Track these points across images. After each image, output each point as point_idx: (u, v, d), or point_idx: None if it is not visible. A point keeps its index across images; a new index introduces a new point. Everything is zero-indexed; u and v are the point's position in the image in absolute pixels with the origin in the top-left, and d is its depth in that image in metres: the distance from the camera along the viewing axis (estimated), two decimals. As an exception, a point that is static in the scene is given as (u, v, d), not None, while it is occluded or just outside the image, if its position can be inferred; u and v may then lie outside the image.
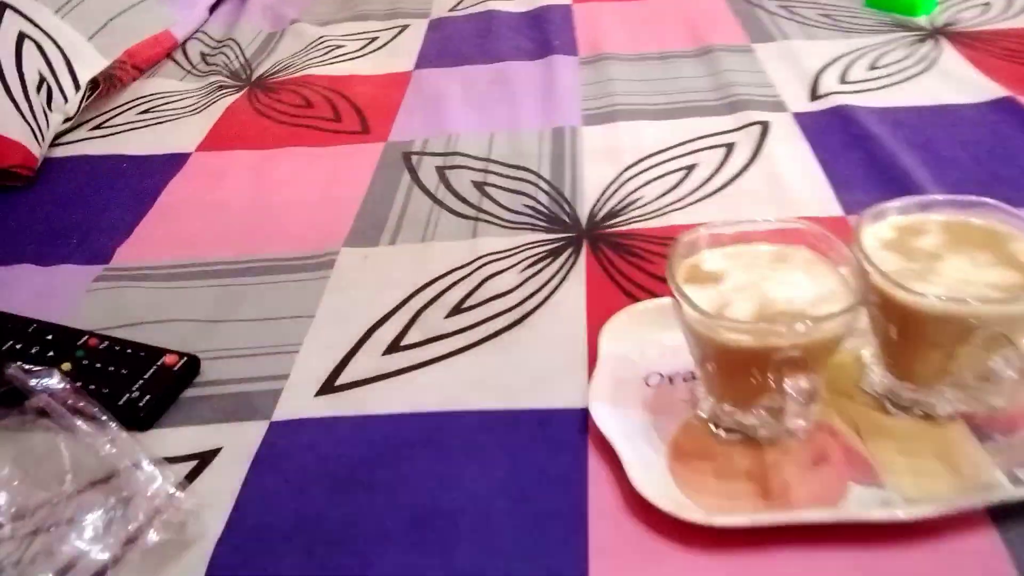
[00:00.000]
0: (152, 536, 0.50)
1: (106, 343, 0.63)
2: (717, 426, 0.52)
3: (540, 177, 0.83)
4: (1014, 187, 0.75)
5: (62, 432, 0.57)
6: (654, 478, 0.49)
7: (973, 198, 0.52)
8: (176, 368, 0.61)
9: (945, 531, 0.46)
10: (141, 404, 0.58)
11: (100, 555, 0.50)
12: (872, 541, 0.45)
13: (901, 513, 0.44)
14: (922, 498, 0.46)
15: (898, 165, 0.78)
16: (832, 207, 0.75)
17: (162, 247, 0.78)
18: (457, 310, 0.67)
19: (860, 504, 0.47)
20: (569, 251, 0.73)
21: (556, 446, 0.54)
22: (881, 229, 0.53)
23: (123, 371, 0.61)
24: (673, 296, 0.48)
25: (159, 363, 0.61)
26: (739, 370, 0.48)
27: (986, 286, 0.47)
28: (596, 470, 0.52)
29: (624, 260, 0.71)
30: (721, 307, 0.48)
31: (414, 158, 0.89)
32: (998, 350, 0.45)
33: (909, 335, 0.49)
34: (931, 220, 0.53)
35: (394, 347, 0.64)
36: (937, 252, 0.50)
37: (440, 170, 0.86)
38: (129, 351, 0.63)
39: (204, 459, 0.56)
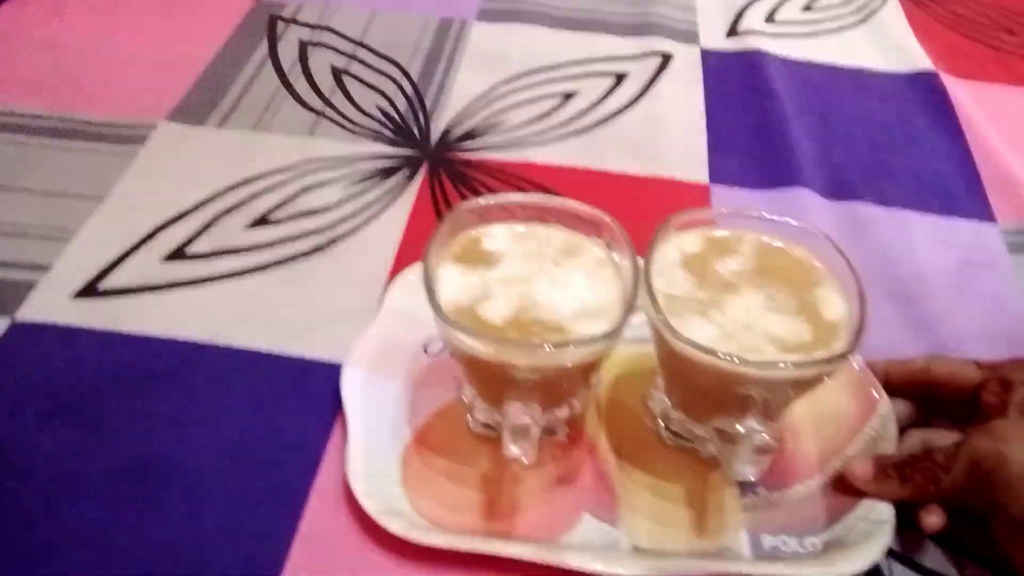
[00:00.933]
0: None
1: None
2: (472, 417, 0.48)
3: (406, 76, 0.75)
4: (894, 180, 0.69)
5: None
6: (380, 469, 0.45)
7: (804, 226, 0.47)
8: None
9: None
10: None
11: None
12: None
13: (604, 567, 0.41)
14: (650, 548, 0.43)
15: (786, 135, 0.72)
16: (699, 172, 0.68)
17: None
18: (262, 222, 0.61)
19: (583, 540, 0.43)
20: (405, 172, 0.66)
21: (307, 405, 0.50)
22: (690, 240, 0.47)
23: None
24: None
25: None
26: (478, 370, 0.43)
27: (766, 338, 0.42)
28: (337, 444, 0.48)
29: (460, 195, 0.64)
30: (476, 300, 0.43)
31: (280, 25, 0.80)
32: (750, 414, 0.41)
33: (673, 370, 0.44)
34: (748, 239, 0.47)
35: (178, 254, 0.58)
36: (735, 281, 0.45)
37: (303, 45, 0.78)
38: None
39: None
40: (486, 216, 0.47)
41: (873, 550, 0.42)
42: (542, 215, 0.48)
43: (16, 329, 0.53)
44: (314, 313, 0.55)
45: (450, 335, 0.41)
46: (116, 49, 0.75)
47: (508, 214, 0.48)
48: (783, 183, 0.67)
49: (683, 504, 0.46)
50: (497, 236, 0.47)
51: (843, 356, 0.40)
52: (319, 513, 0.45)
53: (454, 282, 0.44)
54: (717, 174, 0.68)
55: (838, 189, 0.67)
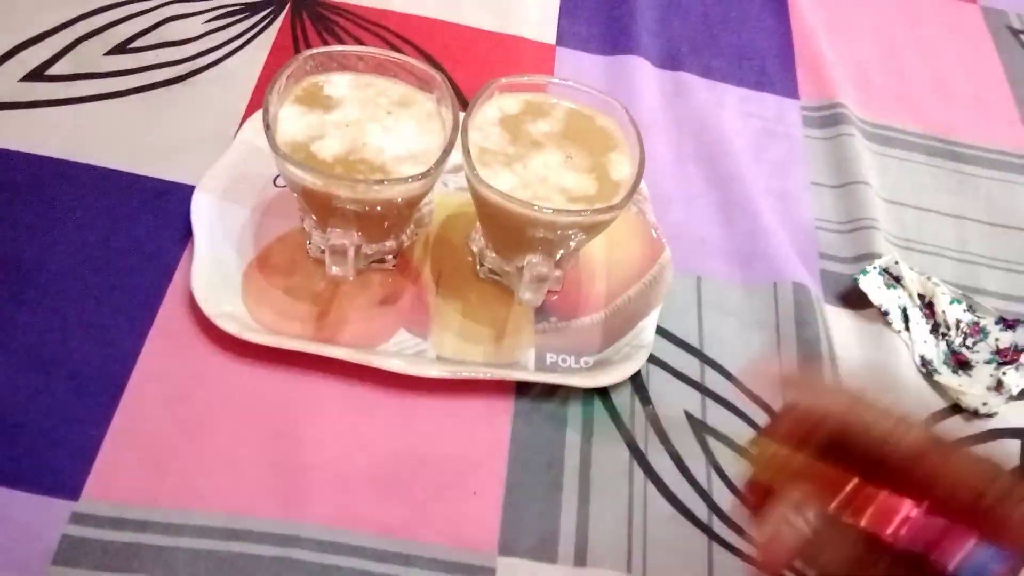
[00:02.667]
0: None
1: None
2: (310, 243, 0.55)
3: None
4: (720, 54, 0.76)
5: None
6: (223, 281, 0.52)
7: (609, 99, 0.54)
8: None
9: (467, 391, 0.52)
10: None
11: None
12: (397, 385, 0.51)
13: (407, 368, 0.50)
14: (450, 357, 0.52)
15: (631, 4, 0.78)
16: (548, 32, 0.74)
17: None
18: (122, 49, 0.64)
19: (396, 350, 0.52)
20: (269, 11, 0.69)
21: (162, 222, 0.55)
22: (511, 102, 0.54)
23: None
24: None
25: None
26: (309, 200, 0.49)
27: (557, 190, 0.50)
28: (189, 258, 0.54)
29: (320, 37, 0.68)
30: (312, 138, 0.49)
31: None
32: (538, 251, 0.49)
33: (482, 213, 0.52)
34: (561, 106, 0.54)
35: (37, 75, 0.61)
36: (541, 141, 0.52)
37: None
38: None
39: None
40: (330, 64, 0.53)
41: (629, 367, 0.52)
42: (382, 68, 0.53)
43: None
44: (172, 139, 0.60)
45: (283, 168, 0.47)
46: None
47: (351, 63, 0.53)
48: (621, 51, 0.74)
49: (486, 325, 0.55)
50: (338, 84, 0.52)
51: (612, 208, 0.48)
52: (170, 314, 0.52)
53: (294, 122, 0.49)
54: (563, 37, 0.74)
55: (669, 60, 0.75)
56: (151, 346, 0.50)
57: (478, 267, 0.57)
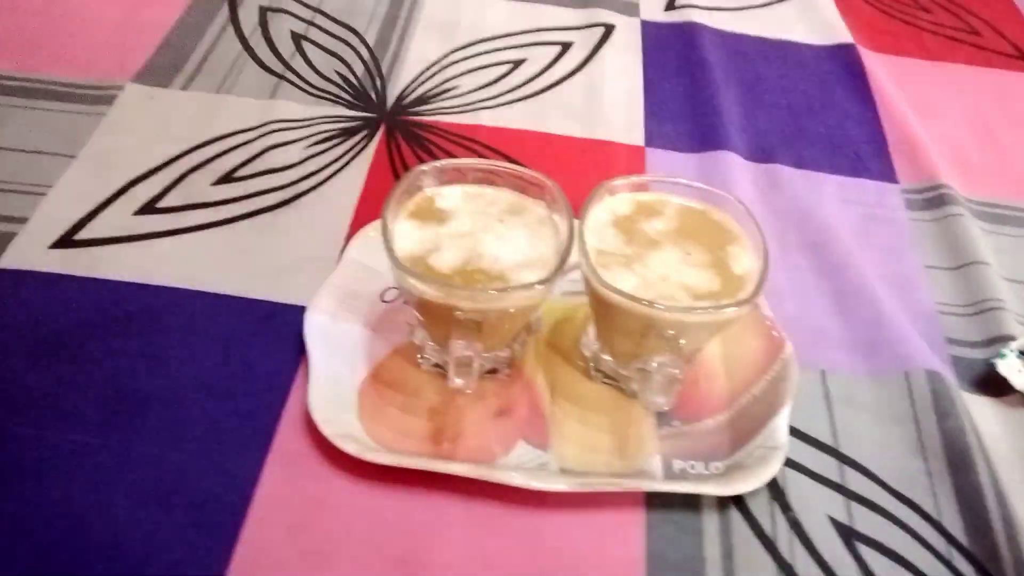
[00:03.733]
0: None
1: None
2: (422, 357, 0.54)
3: (363, 43, 0.80)
4: (810, 144, 0.76)
5: None
6: (338, 400, 0.51)
7: (721, 193, 0.53)
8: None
9: (595, 503, 0.49)
10: None
11: None
12: (520, 500, 0.49)
13: (531, 482, 0.47)
14: (574, 468, 0.50)
15: (715, 102, 0.78)
16: (635, 135, 0.74)
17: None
18: (228, 179, 0.66)
19: (517, 462, 0.50)
20: (363, 134, 0.71)
21: (274, 344, 0.55)
22: (621, 203, 0.53)
23: None
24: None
25: None
26: (428, 312, 0.49)
27: (680, 287, 0.48)
28: (302, 380, 0.53)
29: (415, 155, 0.70)
30: (428, 251, 0.49)
31: (241, -11, 0.83)
32: (664, 351, 0.47)
33: (601, 315, 0.50)
34: (671, 203, 0.53)
35: (149, 208, 0.63)
36: (658, 239, 0.51)
37: (263, 11, 0.81)
38: None
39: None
40: (440, 177, 0.53)
41: (766, 472, 0.49)
42: (491, 178, 0.53)
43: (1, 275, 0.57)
44: (279, 262, 0.60)
45: (404, 281, 0.46)
46: (78, 12, 0.78)
47: (460, 176, 0.53)
48: (711, 147, 0.73)
49: (607, 432, 0.52)
50: (449, 196, 0.53)
51: (743, 303, 0.46)
52: (287, 437, 0.50)
53: (409, 236, 0.49)
54: (652, 138, 0.74)
55: (759, 152, 0.74)
56: (269, 472, 0.49)
57: (592, 372, 0.55)
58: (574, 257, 0.48)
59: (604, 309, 0.49)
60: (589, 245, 0.49)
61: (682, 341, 0.47)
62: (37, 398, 0.51)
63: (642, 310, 0.45)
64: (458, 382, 0.48)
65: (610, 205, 0.53)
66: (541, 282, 0.46)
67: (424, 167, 0.52)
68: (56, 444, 0.49)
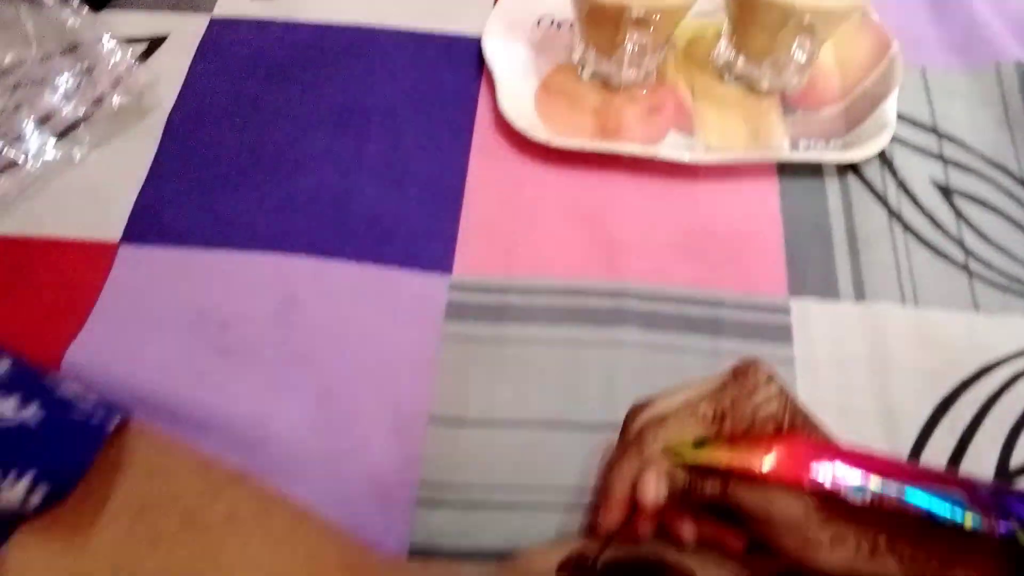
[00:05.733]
0: (116, 100, 0.61)
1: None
2: (582, 69, 0.64)
3: None
4: None
5: (24, 3, 0.65)
6: (520, 104, 0.62)
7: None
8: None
9: (737, 175, 0.61)
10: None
11: (73, 111, 0.61)
12: (677, 175, 0.61)
13: (685, 156, 0.59)
14: (717, 147, 0.61)
15: None
16: None
17: None
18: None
19: (672, 146, 0.61)
20: None
21: (456, 67, 0.66)
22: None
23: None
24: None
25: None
26: (600, 22, 0.58)
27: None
28: (485, 91, 0.64)
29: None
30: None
31: None
32: (800, 37, 0.57)
33: (744, 15, 0.60)
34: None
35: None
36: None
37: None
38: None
39: (154, 43, 0.66)
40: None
41: (878, 143, 0.60)
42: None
43: (216, 23, 0.68)
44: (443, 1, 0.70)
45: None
46: None
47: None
48: None
49: (742, 121, 0.63)
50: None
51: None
52: (483, 135, 0.62)
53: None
54: None
55: None
56: (474, 162, 0.61)
57: (726, 76, 0.65)
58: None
59: (747, 7, 0.58)
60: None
61: (815, 27, 0.57)
62: (281, 112, 0.63)
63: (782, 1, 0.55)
64: (630, 73, 0.58)
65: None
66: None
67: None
68: (306, 146, 0.61)
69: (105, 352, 0.52)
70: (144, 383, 0.50)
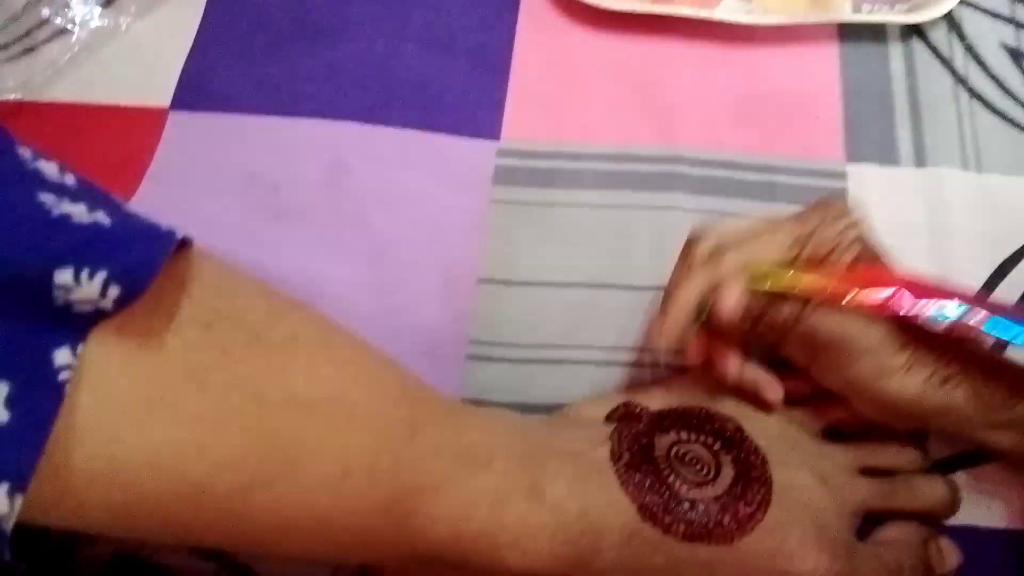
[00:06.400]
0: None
1: None
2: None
3: None
4: None
5: None
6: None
7: None
8: None
9: (796, 39, 0.58)
10: None
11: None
12: (733, 38, 0.59)
13: (743, 18, 0.57)
14: (776, 9, 0.59)
15: None
16: None
17: None
18: None
19: (728, 9, 0.59)
20: None
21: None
22: None
23: None
24: None
25: None
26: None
27: None
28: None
29: None
30: None
31: None
32: None
33: None
34: None
35: None
36: None
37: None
38: None
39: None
40: None
41: (943, 6, 0.57)
42: None
43: None
44: None
45: None
46: None
47: None
48: None
49: None
50: None
51: None
52: (528, 9, 0.60)
53: None
54: None
55: None
56: (522, 27, 0.59)
57: None
58: None
59: None
60: None
61: None
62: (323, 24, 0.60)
63: None
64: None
65: None
66: None
67: None
68: (351, 12, 0.60)
69: (159, 215, 0.52)
70: (199, 245, 0.51)
